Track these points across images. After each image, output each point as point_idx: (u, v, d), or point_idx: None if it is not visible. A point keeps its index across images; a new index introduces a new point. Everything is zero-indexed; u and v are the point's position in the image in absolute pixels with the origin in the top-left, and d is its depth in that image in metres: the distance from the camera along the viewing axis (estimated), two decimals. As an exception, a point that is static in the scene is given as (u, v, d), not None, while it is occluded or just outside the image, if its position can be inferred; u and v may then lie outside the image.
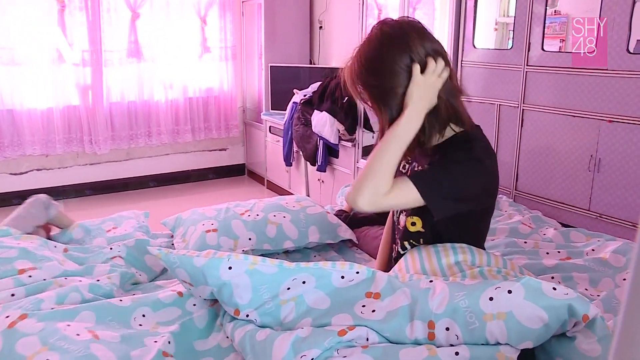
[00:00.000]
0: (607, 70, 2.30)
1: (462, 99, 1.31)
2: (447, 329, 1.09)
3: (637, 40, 2.26)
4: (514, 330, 1.06)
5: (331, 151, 3.77)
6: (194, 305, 1.39)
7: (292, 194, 4.26)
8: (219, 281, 1.25)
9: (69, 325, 1.24)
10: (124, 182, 4.78)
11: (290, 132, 4.12)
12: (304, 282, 1.25)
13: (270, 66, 4.54)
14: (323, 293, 1.23)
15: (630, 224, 2.29)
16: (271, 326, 1.23)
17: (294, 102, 4.08)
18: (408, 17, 1.33)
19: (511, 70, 2.74)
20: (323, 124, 3.63)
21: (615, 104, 2.29)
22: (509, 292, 1.09)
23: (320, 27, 4.56)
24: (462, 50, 3.01)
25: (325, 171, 3.84)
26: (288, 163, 4.30)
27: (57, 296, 1.40)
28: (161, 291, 1.48)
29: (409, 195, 1.21)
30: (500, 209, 2.50)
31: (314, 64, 4.68)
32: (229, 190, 4.93)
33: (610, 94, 2.31)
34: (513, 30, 2.78)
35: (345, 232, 2.04)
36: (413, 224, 1.35)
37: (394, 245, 1.50)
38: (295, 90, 4.17)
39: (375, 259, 1.78)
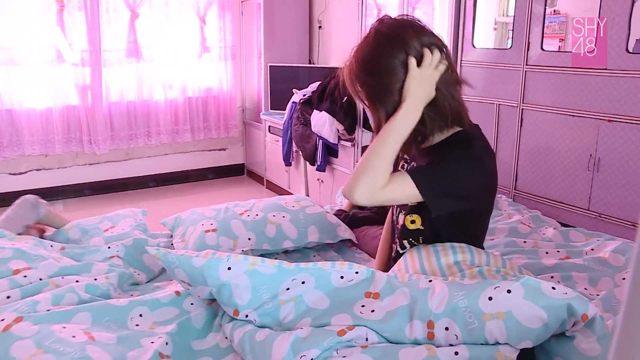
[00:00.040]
0: (606, 69, 2.30)
1: (463, 99, 1.30)
2: (447, 328, 1.09)
3: (636, 39, 2.27)
4: (513, 329, 1.06)
5: (330, 151, 3.77)
6: (192, 304, 1.39)
7: (291, 193, 4.26)
8: (218, 282, 1.25)
9: (64, 327, 1.23)
10: (123, 182, 4.78)
11: (289, 132, 4.11)
12: (303, 283, 1.25)
13: (270, 66, 4.54)
14: (322, 293, 1.23)
15: (630, 223, 2.29)
16: (270, 326, 1.23)
17: (293, 102, 4.07)
18: (407, 15, 1.33)
19: (510, 69, 2.74)
20: (322, 123, 3.63)
21: (614, 103, 2.29)
22: (508, 291, 1.09)
23: (320, 27, 4.56)
24: (462, 50, 3.01)
25: (324, 171, 3.84)
26: (287, 163, 4.30)
27: (53, 297, 1.39)
28: (159, 291, 1.48)
29: (407, 189, 1.20)
30: (499, 209, 2.50)
31: (313, 63, 4.68)
32: (229, 190, 4.93)
33: (609, 93, 2.31)
34: (512, 30, 2.78)
35: (345, 232, 2.04)
36: (412, 221, 1.35)
37: (393, 244, 1.50)
38: (294, 90, 4.17)
39: (374, 258, 1.78)
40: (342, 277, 1.25)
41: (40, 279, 1.53)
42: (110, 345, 1.21)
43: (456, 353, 1.06)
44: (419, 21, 1.27)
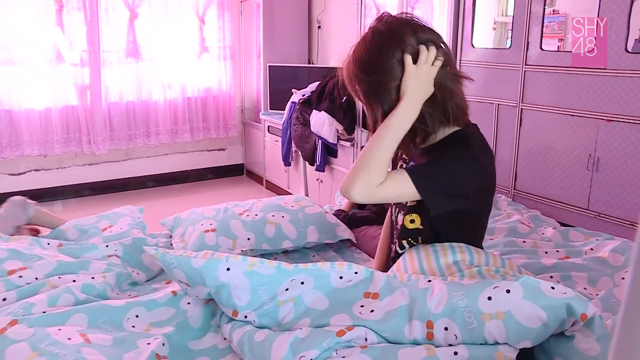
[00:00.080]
0: (605, 69, 2.30)
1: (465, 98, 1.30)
2: (446, 328, 1.09)
3: (635, 39, 2.26)
4: (513, 329, 1.06)
5: (330, 151, 3.77)
6: (188, 303, 1.38)
7: (290, 193, 4.25)
8: (217, 282, 1.25)
9: (60, 329, 1.23)
10: (122, 182, 4.78)
11: (288, 132, 4.11)
12: (302, 283, 1.24)
13: (269, 66, 4.54)
14: (321, 293, 1.23)
15: (629, 223, 2.29)
16: (270, 327, 1.22)
17: (292, 102, 4.07)
18: (406, 13, 1.33)
19: (510, 69, 2.74)
20: (322, 123, 3.63)
21: (613, 103, 2.29)
22: (508, 291, 1.09)
23: (319, 27, 4.56)
24: (461, 49, 3.01)
25: (324, 171, 3.84)
26: (287, 163, 4.30)
27: (49, 299, 1.38)
28: (156, 292, 1.47)
29: (404, 187, 1.20)
30: (499, 209, 2.50)
31: (313, 63, 4.68)
32: (228, 190, 4.93)
33: (608, 93, 2.31)
34: (511, 30, 2.78)
35: (344, 232, 2.04)
36: (412, 221, 1.35)
37: (392, 244, 1.49)
38: (293, 90, 4.17)
39: (374, 258, 1.78)
40: (341, 278, 1.25)
41: (36, 279, 1.52)
42: (106, 347, 1.20)
43: (455, 353, 1.06)
44: (419, 19, 1.27)
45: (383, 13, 1.29)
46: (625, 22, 2.20)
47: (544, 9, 2.58)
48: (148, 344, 1.23)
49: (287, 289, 1.24)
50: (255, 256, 1.60)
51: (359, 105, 3.40)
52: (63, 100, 4.33)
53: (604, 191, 2.37)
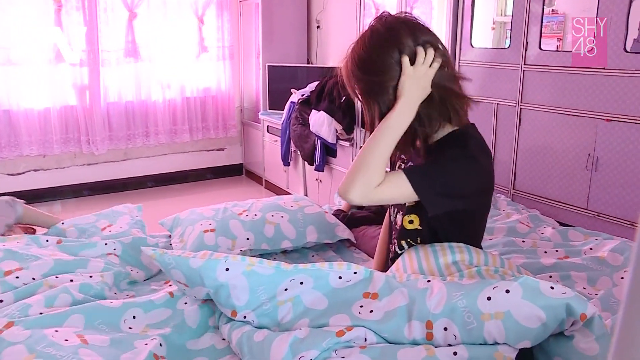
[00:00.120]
0: (604, 69, 2.30)
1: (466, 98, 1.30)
2: (445, 329, 1.09)
3: (634, 39, 2.27)
4: (512, 329, 1.06)
5: (329, 151, 3.77)
6: (185, 303, 1.38)
7: (290, 193, 4.25)
8: (215, 283, 1.25)
9: (56, 331, 1.22)
10: (121, 182, 4.77)
11: (288, 132, 4.11)
12: (301, 283, 1.24)
13: (268, 66, 4.54)
14: (320, 294, 1.23)
15: (628, 222, 2.29)
16: (269, 327, 1.22)
17: (291, 102, 4.07)
18: (405, 12, 1.33)
19: (509, 69, 2.74)
20: (321, 123, 3.63)
21: (612, 102, 2.29)
22: (507, 291, 1.09)
23: (318, 27, 4.56)
24: (460, 49, 3.01)
25: (323, 171, 3.84)
26: (286, 163, 4.30)
27: (46, 299, 1.37)
28: (154, 292, 1.47)
29: (402, 188, 1.20)
30: (498, 208, 2.50)
31: (312, 63, 4.68)
32: (227, 190, 4.93)
33: (607, 92, 2.31)
34: (510, 30, 2.78)
35: (344, 232, 2.04)
36: (410, 222, 1.35)
37: (391, 245, 1.49)
38: (292, 90, 4.17)
39: (373, 258, 1.78)
40: (340, 278, 1.25)
41: (33, 279, 1.51)
42: (104, 347, 1.20)
43: (455, 353, 1.06)
44: (418, 19, 1.27)
45: (383, 12, 1.29)
46: (624, 21, 2.20)
47: (543, 8, 2.58)
48: (145, 344, 1.23)
49: (286, 289, 1.24)
50: (254, 256, 1.60)
51: (358, 105, 3.40)
52: (62, 100, 4.33)
53: (603, 191, 2.37)
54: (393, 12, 1.29)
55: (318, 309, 1.21)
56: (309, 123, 3.77)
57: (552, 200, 2.61)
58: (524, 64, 2.66)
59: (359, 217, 2.20)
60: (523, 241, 2.05)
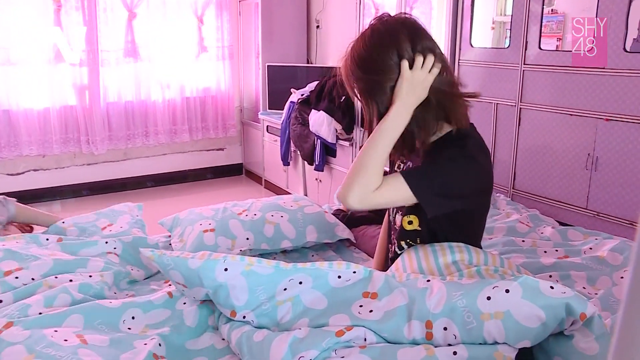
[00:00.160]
0: (603, 69, 2.30)
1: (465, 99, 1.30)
2: (445, 328, 1.09)
3: (634, 39, 2.26)
4: (512, 329, 1.06)
5: (329, 150, 3.77)
6: (184, 303, 1.38)
7: (289, 193, 4.25)
8: (214, 283, 1.25)
9: (56, 331, 1.22)
10: (121, 182, 4.77)
11: (287, 132, 4.11)
12: (300, 283, 1.24)
13: (268, 65, 4.54)
14: (320, 293, 1.23)
15: (628, 222, 2.29)
16: (268, 327, 1.22)
17: (291, 102, 4.07)
18: (405, 14, 1.33)
19: (508, 69, 2.74)
20: (320, 123, 3.63)
21: (612, 102, 2.29)
22: (507, 291, 1.09)
23: (318, 27, 4.56)
24: (460, 49, 3.01)
25: (322, 170, 3.84)
26: (285, 162, 4.30)
27: (45, 299, 1.37)
28: (153, 292, 1.47)
29: (400, 191, 1.20)
30: (497, 208, 2.50)
31: (311, 63, 4.68)
32: (227, 190, 4.93)
33: (607, 92, 2.31)
34: (510, 29, 2.78)
35: (343, 232, 2.04)
36: (410, 222, 1.35)
37: (391, 245, 1.49)
38: (292, 90, 4.17)
39: (373, 258, 1.78)
40: (339, 277, 1.25)
41: (33, 279, 1.51)
42: (103, 347, 1.19)
43: (455, 353, 1.06)
44: (418, 21, 1.27)
45: (383, 14, 1.29)
46: (624, 21, 2.20)
47: (543, 8, 2.58)
48: (145, 344, 1.23)
49: (285, 289, 1.24)
50: (254, 256, 1.60)
51: (358, 104, 3.40)
52: (61, 100, 4.33)
53: (602, 190, 2.37)
54: (393, 12, 1.29)
55: (317, 309, 1.21)
56: (308, 123, 3.77)
57: (551, 200, 2.61)
58: (524, 64, 2.66)
59: (359, 217, 2.20)
60: (523, 241, 2.05)
